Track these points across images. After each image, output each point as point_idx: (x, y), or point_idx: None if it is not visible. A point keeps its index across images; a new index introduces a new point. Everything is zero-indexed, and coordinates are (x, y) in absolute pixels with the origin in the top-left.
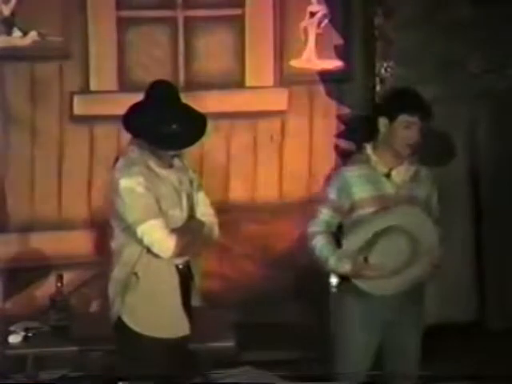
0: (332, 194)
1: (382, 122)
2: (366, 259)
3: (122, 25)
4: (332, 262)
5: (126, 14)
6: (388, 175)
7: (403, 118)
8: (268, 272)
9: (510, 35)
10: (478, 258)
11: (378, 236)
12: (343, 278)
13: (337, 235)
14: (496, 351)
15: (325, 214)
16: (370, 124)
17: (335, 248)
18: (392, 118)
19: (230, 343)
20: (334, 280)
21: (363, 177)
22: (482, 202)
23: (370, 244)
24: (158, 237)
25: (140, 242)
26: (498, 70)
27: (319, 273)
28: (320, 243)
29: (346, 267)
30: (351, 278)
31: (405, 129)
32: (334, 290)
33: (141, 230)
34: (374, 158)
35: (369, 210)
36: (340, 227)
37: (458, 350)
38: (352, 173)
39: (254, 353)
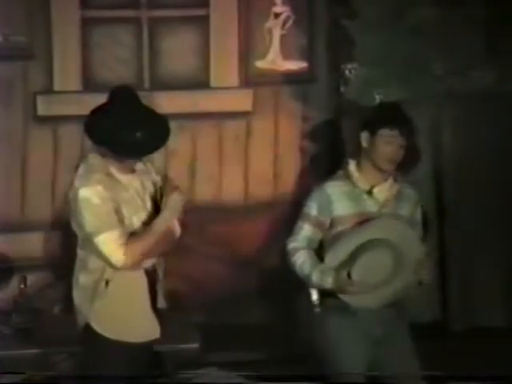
0: (313, 210)
1: (364, 136)
2: (349, 274)
3: (86, 25)
4: (315, 276)
5: (90, 13)
6: (370, 192)
7: (383, 132)
8: (233, 273)
9: (473, 37)
10: (440, 259)
11: (359, 250)
12: (324, 295)
13: (318, 252)
14: (458, 352)
15: (306, 229)
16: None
17: (317, 263)
18: (373, 132)
19: (194, 344)
20: (314, 297)
21: (344, 193)
22: (445, 202)
23: (352, 258)
24: (108, 250)
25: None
26: (461, 71)
27: (284, 273)
28: (301, 259)
29: (329, 281)
30: (336, 293)
31: (385, 143)
32: (316, 308)
33: (95, 241)
34: (355, 174)
35: (349, 226)
36: (321, 243)
37: (419, 351)
38: (333, 189)
39: (218, 354)
